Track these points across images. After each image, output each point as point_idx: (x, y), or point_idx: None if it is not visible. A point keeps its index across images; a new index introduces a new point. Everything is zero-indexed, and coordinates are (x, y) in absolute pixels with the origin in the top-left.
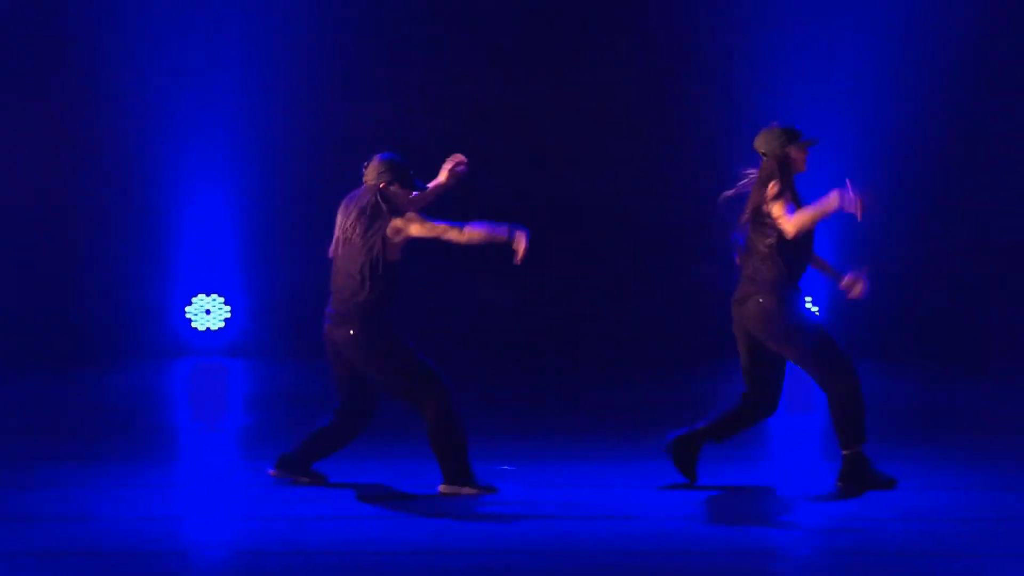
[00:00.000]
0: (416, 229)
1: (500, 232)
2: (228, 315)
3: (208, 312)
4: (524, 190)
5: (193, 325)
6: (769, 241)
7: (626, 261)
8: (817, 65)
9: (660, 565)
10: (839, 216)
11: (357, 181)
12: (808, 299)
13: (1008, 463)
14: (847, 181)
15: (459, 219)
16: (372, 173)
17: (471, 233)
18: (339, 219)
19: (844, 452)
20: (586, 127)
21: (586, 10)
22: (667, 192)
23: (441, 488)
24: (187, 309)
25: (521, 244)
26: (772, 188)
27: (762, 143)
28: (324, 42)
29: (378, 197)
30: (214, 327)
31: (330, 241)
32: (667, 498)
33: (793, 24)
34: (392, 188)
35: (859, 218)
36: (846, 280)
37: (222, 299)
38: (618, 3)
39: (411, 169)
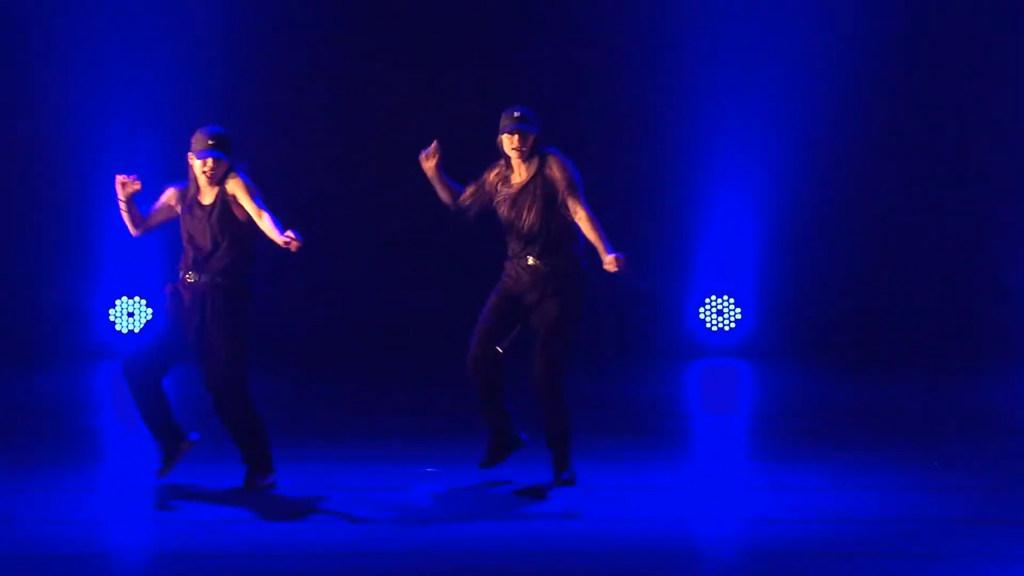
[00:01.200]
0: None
1: (277, 233)
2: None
3: (131, 315)
4: None
5: (116, 327)
6: None
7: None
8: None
9: (582, 566)
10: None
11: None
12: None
13: (923, 463)
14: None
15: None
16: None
17: (264, 226)
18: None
19: None
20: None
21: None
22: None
23: None
24: (110, 311)
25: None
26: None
27: None
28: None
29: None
30: (136, 329)
31: None
32: (590, 498)
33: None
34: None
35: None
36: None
37: (144, 301)
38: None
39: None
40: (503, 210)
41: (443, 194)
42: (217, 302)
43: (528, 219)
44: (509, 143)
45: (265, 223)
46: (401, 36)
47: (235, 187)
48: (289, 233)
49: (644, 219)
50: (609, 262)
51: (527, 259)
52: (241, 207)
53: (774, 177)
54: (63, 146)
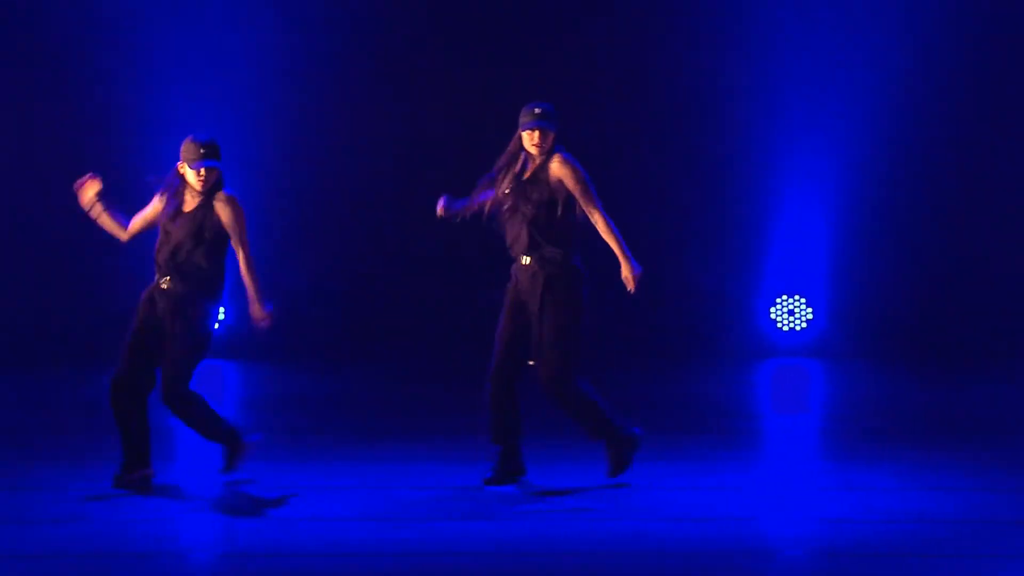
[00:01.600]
0: None
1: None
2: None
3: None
4: None
5: None
6: None
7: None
8: (812, 66)
9: (654, 566)
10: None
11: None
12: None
13: (998, 464)
14: None
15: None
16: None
17: (241, 259)
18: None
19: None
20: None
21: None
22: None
23: None
24: None
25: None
26: None
27: None
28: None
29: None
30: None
31: None
32: (662, 498)
33: (785, 21)
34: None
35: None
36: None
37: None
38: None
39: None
40: (504, 206)
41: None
42: (189, 309)
43: (526, 218)
44: (529, 140)
45: (241, 258)
46: (437, 31)
47: (224, 210)
48: (262, 313)
49: (716, 219)
50: (626, 279)
51: (522, 259)
52: (222, 221)
53: (846, 177)
54: (138, 149)
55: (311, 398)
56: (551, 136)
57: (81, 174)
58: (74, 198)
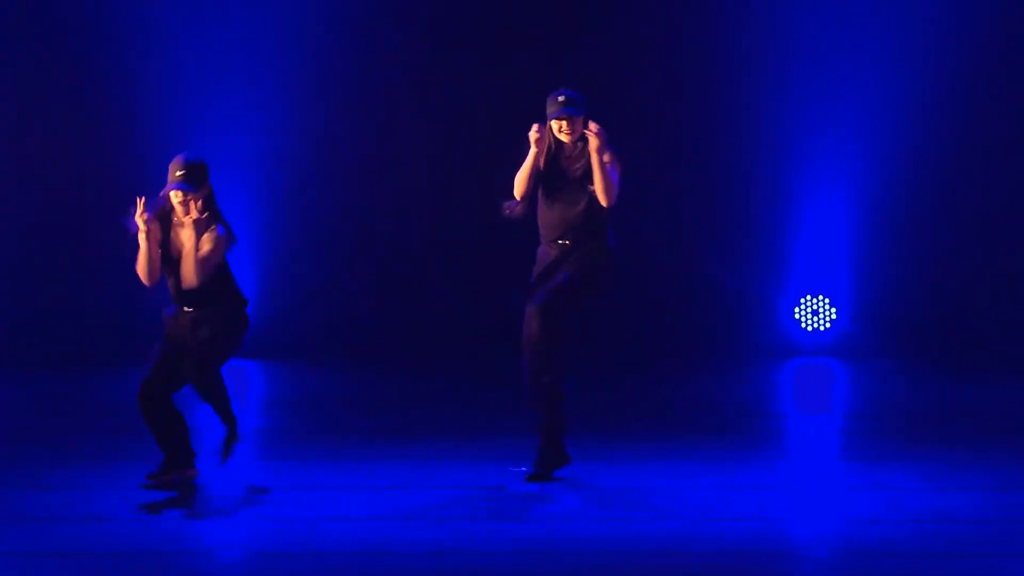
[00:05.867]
0: None
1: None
2: None
3: None
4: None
5: None
6: None
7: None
8: (826, 63)
9: (676, 565)
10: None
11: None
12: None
13: (1021, 464)
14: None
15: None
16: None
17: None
18: None
19: None
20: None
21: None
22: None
23: None
24: None
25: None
26: None
27: None
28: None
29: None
30: None
31: None
32: (682, 499)
33: (801, 19)
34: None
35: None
36: None
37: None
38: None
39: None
40: (549, 191)
41: (528, 187)
42: (214, 326)
43: (573, 200)
44: (557, 128)
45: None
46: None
47: (207, 244)
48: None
49: (740, 219)
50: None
51: (565, 241)
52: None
53: (870, 176)
54: (170, 149)
55: (335, 397)
56: (579, 121)
57: (95, 175)
58: (80, 198)
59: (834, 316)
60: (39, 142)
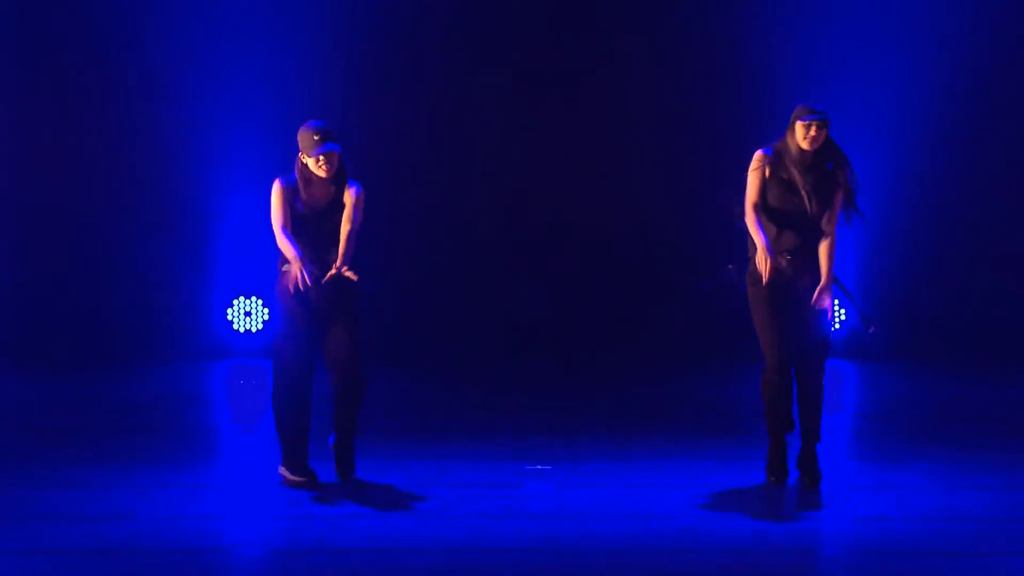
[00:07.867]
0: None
1: (293, 258)
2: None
3: (248, 314)
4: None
5: (234, 327)
6: None
7: (646, 263)
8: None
9: (688, 562)
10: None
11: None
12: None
13: None
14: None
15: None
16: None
17: (281, 243)
18: None
19: None
20: (601, 130)
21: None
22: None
23: None
24: (228, 311)
25: (293, 275)
26: None
27: None
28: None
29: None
30: (254, 329)
31: None
32: (693, 498)
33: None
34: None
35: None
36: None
37: (260, 301)
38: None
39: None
40: (793, 199)
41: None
42: (348, 290)
43: (817, 210)
44: (804, 132)
45: (344, 233)
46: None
47: (349, 199)
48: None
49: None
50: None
51: (800, 252)
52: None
53: (879, 177)
54: (182, 148)
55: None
56: (825, 132)
57: (107, 174)
58: (98, 196)
59: (843, 317)
60: (78, 142)
